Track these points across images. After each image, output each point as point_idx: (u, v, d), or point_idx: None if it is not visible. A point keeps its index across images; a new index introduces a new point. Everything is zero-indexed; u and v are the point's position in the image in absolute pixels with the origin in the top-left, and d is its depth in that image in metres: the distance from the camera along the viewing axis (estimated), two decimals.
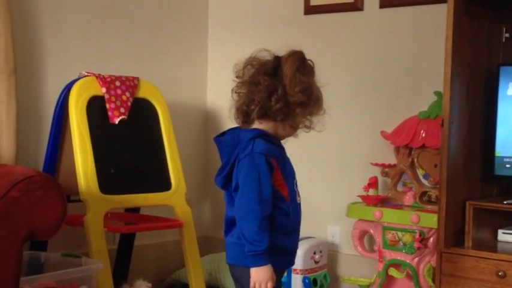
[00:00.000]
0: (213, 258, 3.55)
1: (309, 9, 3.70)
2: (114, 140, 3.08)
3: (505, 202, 2.74)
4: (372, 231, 3.24)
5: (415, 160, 3.20)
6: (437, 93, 3.09)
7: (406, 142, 3.17)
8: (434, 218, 2.88)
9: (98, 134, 2.99)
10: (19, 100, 3.05)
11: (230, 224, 2.09)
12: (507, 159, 2.84)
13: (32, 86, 3.26)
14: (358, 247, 3.30)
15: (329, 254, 3.49)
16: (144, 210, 3.31)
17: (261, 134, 2.06)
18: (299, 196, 2.14)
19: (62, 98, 3.03)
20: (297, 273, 3.27)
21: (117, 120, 3.07)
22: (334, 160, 3.58)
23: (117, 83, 3.10)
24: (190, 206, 3.22)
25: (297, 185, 2.14)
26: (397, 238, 3.10)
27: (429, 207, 3.09)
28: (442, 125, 2.72)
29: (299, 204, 2.13)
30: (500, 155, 2.85)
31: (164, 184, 3.17)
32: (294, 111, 2.05)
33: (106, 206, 2.93)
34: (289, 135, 2.13)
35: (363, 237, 3.33)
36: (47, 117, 3.17)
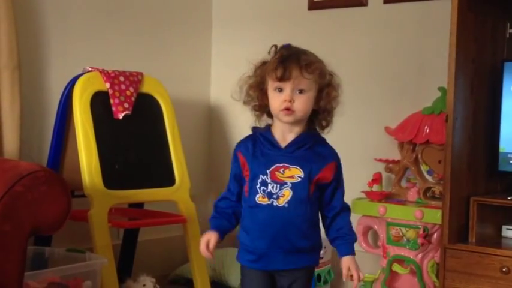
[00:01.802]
0: (216, 254, 3.53)
1: (313, 5, 3.70)
2: (118, 135, 3.08)
3: (509, 198, 2.74)
4: (375, 227, 3.24)
5: (419, 156, 3.20)
6: (441, 89, 3.08)
7: (410, 138, 3.17)
8: (438, 213, 2.88)
9: (101, 129, 3.00)
10: (23, 95, 3.05)
11: None
12: (511, 155, 2.84)
13: (35, 81, 3.26)
14: (362, 243, 3.30)
15: (333, 249, 3.48)
16: (148, 206, 3.32)
17: (254, 128, 2.12)
18: (268, 199, 2.03)
19: (65, 93, 3.03)
20: None
21: (121, 116, 3.07)
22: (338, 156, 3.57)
23: (121, 78, 3.10)
24: (194, 202, 3.22)
25: (266, 186, 2.03)
26: (401, 234, 3.10)
27: (433, 203, 3.09)
28: (446, 120, 2.72)
29: (263, 206, 2.03)
30: (505, 150, 2.85)
31: (168, 179, 3.17)
32: None
33: (110, 201, 2.94)
34: (280, 119, 2.06)
35: (367, 233, 3.33)
36: (51, 113, 3.18)
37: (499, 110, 2.86)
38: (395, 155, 3.31)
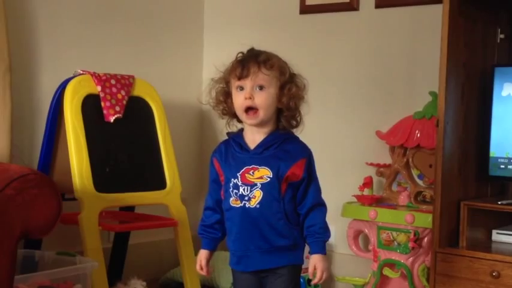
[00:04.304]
0: None
1: (305, 9, 3.70)
2: (109, 138, 3.07)
3: (499, 202, 2.75)
4: (366, 230, 3.24)
5: (410, 160, 3.20)
6: (432, 93, 3.09)
7: (401, 142, 3.18)
8: (428, 218, 2.89)
9: (93, 132, 2.99)
10: (14, 98, 3.04)
11: None
12: (501, 160, 2.85)
13: (27, 84, 3.25)
14: (353, 247, 3.31)
15: None
16: (138, 209, 3.31)
17: (228, 133, 2.17)
18: (241, 201, 2.08)
19: (57, 96, 3.02)
20: None
21: (112, 119, 3.06)
22: (329, 160, 3.58)
23: (113, 81, 3.10)
24: (185, 205, 3.22)
25: (238, 189, 2.08)
26: (391, 238, 3.11)
27: (424, 207, 3.09)
28: (437, 125, 2.73)
29: (236, 208, 2.09)
30: (495, 155, 2.86)
31: (159, 183, 3.17)
32: None
33: (101, 204, 2.93)
34: (245, 122, 2.12)
35: (358, 236, 3.34)
36: (42, 115, 3.17)
37: (490, 114, 2.87)
38: (386, 159, 3.32)
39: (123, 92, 3.12)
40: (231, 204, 2.09)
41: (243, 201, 2.07)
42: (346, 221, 3.31)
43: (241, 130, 2.16)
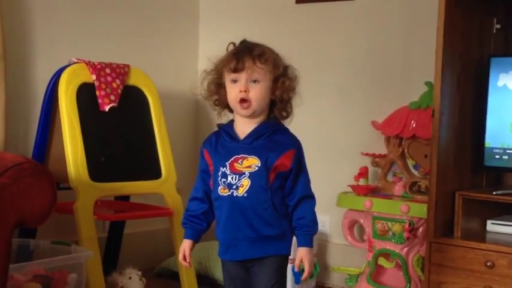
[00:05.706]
0: (202, 247, 3.54)
1: None
2: (104, 127, 3.07)
3: (494, 193, 2.76)
4: (361, 221, 3.24)
5: (406, 150, 3.21)
6: (428, 83, 3.09)
7: (396, 132, 3.18)
8: (423, 208, 2.89)
9: (87, 121, 2.98)
10: (8, 87, 3.03)
11: None
12: (497, 150, 2.86)
13: (21, 72, 3.24)
14: (348, 237, 3.31)
15: (319, 243, 3.49)
16: (133, 199, 3.31)
17: (219, 125, 2.19)
18: (229, 190, 2.08)
19: (51, 84, 3.01)
20: None
21: (107, 108, 3.06)
22: (325, 149, 3.59)
23: (108, 70, 3.09)
24: (181, 195, 3.21)
25: (226, 178, 2.09)
26: (386, 228, 3.11)
27: (419, 197, 3.10)
28: (433, 115, 2.73)
29: (224, 197, 2.09)
30: (490, 146, 2.87)
31: (154, 172, 3.16)
32: None
33: (96, 193, 2.93)
34: (238, 113, 2.12)
35: (353, 226, 3.34)
36: (37, 104, 3.16)
37: (485, 105, 2.87)
38: (381, 149, 3.32)
39: (118, 81, 3.11)
40: (219, 193, 2.10)
41: (231, 190, 2.08)
42: (341, 211, 3.32)
43: (232, 121, 2.17)
